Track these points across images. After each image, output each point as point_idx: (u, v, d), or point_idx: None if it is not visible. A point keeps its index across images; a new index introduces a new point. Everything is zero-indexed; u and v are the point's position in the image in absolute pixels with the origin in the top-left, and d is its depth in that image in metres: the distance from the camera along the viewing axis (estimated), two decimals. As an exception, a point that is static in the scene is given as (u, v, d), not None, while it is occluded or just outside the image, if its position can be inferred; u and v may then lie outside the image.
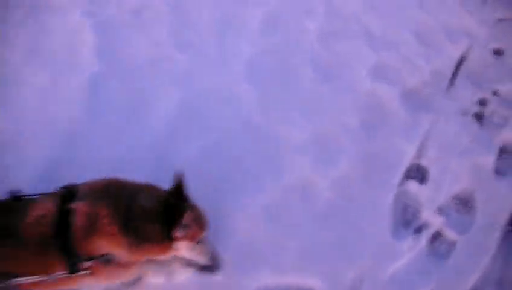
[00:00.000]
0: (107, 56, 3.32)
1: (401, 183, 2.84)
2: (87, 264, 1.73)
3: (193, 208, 1.92)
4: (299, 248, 2.49)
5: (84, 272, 1.76)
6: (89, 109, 2.99)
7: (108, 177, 1.91)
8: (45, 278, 1.72)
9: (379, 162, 2.91)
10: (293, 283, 2.40)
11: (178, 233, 1.80)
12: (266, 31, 3.62)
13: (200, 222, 1.95)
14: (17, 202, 1.88)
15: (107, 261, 1.77)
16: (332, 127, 3.04)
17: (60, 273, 1.73)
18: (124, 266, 1.87)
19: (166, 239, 1.82)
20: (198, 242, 1.97)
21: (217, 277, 2.32)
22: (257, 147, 2.88)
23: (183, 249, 1.93)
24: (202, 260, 2.11)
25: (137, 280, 2.33)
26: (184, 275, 2.31)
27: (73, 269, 1.71)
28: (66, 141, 2.80)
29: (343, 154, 2.90)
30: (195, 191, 1.94)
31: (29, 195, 1.95)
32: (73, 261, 1.70)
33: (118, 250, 1.76)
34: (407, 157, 2.96)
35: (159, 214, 1.79)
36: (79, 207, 1.72)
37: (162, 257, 1.98)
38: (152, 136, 2.89)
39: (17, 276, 1.69)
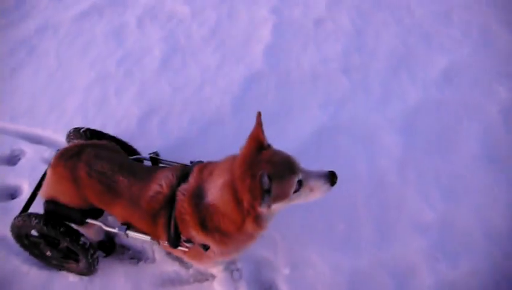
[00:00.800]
0: (274, 58, 3.41)
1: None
2: (185, 244, 1.86)
3: (271, 164, 1.61)
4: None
5: (183, 249, 1.90)
6: (235, 103, 3.14)
7: (211, 162, 1.89)
8: (149, 239, 1.97)
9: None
10: None
11: (260, 209, 1.60)
12: (444, 83, 3.18)
13: (284, 181, 1.62)
14: (155, 162, 2.25)
15: (204, 247, 1.83)
16: (470, 222, 2.52)
17: (163, 242, 1.92)
18: (218, 255, 1.92)
19: (250, 220, 1.65)
20: (294, 192, 1.67)
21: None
22: (375, 204, 2.60)
23: (281, 207, 1.71)
24: (316, 195, 1.75)
25: (207, 275, 2.41)
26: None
27: (173, 244, 1.86)
28: (204, 125, 3.01)
29: (466, 258, 2.39)
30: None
31: (164, 160, 2.31)
32: (173, 238, 1.84)
33: (208, 242, 1.81)
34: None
35: (235, 201, 1.62)
36: (179, 194, 1.81)
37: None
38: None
39: (130, 228, 2.00)
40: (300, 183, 1.67)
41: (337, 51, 3.43)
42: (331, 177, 1.73)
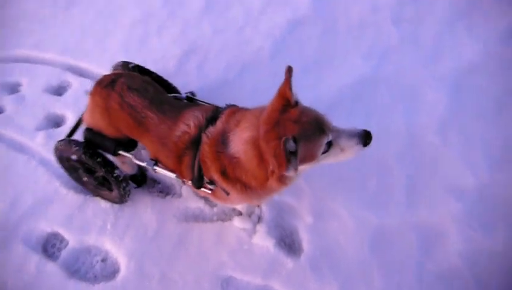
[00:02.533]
0: (321, 4, 3.26)
1: None
2: (208, 186, 1.89)
3: (299, 124, 1.51)
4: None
5: (206, 190, 1.93)
6: (275, 48, 3.06)
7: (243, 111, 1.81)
8: (175, 177, 2.03)
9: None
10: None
11: (286, 173, 1.47)
12: (508, 41, 2.86)
13: (312, 143, 1.53)
14: (190, 101, 2.26)
15: (225, 192, 1.84)
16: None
17: (187, 181, 1.97)
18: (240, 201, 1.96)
19: (274, 179, 1.61)
20: (324, 153, 1.59)
21: (288, 264, 2.23)
22: (410, 163, 2.49)
23: (309, 167, 1.65)
24: (348, 156, 1.66)
25: (230, 215, 2.46)
26: (264, 242, 2.31)
27: (196, 185, 1.89)
28: (241, 67, 2.98)
29: (503, 229, 2.23)
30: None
31: (199, 101, 2.29)
32: (196, 179, 1.87)
33: (229, 190, 1.81)
34: None
35: (259, 160, 1.57)
36: (204, 137, 1.79)
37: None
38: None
39: (158, 164, 2.08)
40: (330, 143, 1.57)
41: (390, -1, 3.19)
42: (365, 137, 1.61)
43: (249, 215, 2.39)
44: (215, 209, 2.48)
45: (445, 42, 2.92)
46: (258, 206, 2.42)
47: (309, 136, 1.50)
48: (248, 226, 2.36)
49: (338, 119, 2.63)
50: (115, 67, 2.51)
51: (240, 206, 2.38)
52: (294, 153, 1.44)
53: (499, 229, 2.23)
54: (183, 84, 2.70)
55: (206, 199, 2.50)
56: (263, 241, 2.30)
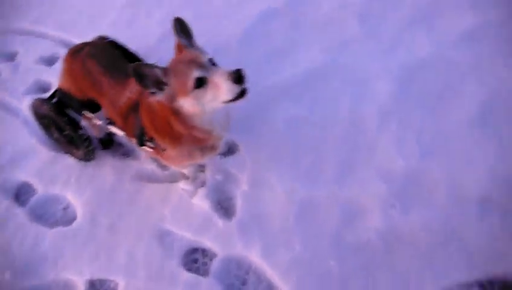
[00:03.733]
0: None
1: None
2: (149, 144, 2.16)
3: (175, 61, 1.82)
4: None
5: (148, 148, 2.20)
6: (244, 35, 3.31)
7: None
8: (124, 136, 2.35)
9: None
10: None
11: (155, 98, 1.80)
12: (462, 43, 3.00)
13: (183, 72, 1.73)
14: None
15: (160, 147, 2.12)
16: (438, 181, 2.43)
17: (133, 140, 2.24)
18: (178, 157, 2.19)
19: (174, 118, 1.87)
20: (199, 88, 1.72)
21: (220, 224, 2.47)
22: (346, 144, 2.66)
23: (190, 104, 1.79)
24: (224, 94, 1.71)
25: (178, 178, 2.71)
26: (202, 203, 2.55)
27: (139, 142, 2.17)
28: (211, 51, 3.21)
29: (422, 211, 2.35)
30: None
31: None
32: (138, 136, 2.15)
33: (162, 144, 2.09)
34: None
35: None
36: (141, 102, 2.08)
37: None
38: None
39: (112, 124, 2.39)
40: (204, 80, 1.72)
41: (359, -4, 3.37)
42: (236, 75, 1.67)
43: (194, 179, 2.64)
44: (166, 172, 2.75)
45: (402, 39, 3.06)
46: (203, 171, 2.67)
47: (180, 69, 1.74)
48: (191, 188, 2.60)
49: (288, 104, 2.88)
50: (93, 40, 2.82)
51: (186, 171, 2.63)
52: (145, 77, 1.71)
53: (414, 212, 2.36)
54: (158, 59, 2.97)
55: (158, 163, 2.77)
56: (201, 202, 2.55)
